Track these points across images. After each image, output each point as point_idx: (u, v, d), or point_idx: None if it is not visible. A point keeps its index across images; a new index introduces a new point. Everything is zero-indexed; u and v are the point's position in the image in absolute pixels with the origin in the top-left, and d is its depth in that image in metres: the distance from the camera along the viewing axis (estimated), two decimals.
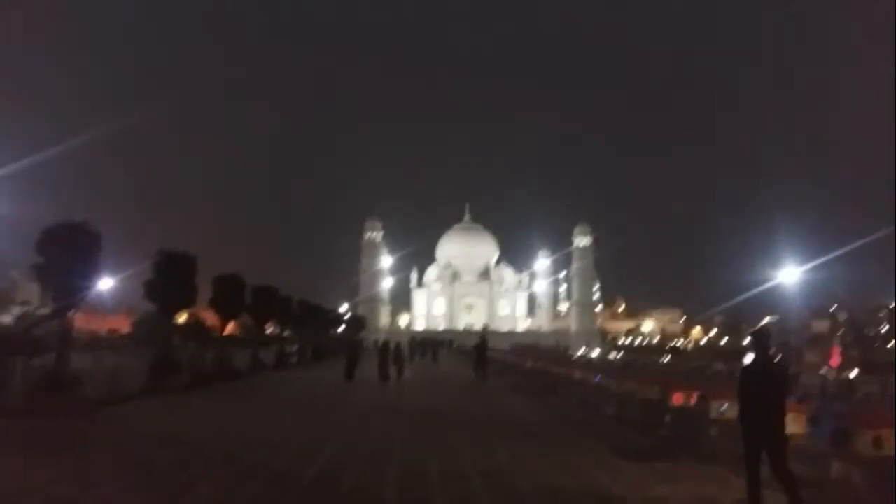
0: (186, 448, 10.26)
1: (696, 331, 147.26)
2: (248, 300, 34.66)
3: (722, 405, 9.37)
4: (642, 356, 61.91)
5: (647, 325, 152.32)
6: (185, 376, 22.72)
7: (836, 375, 31.64)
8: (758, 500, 6.53)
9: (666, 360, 53.04)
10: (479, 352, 27.33)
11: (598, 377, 16.13)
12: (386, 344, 28.17)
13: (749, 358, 7.42)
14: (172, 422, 13.71)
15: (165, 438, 11.23)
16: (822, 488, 7.31)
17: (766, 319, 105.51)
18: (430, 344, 48.25)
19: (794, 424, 7.74)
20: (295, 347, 42.46)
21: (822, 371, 33.36)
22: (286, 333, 56.77)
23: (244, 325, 59.80)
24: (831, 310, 71.28)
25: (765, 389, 6.53)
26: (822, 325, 70.11)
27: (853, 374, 31.74)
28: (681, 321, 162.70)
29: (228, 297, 28.11)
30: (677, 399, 10.88)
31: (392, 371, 26.72)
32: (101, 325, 71.00)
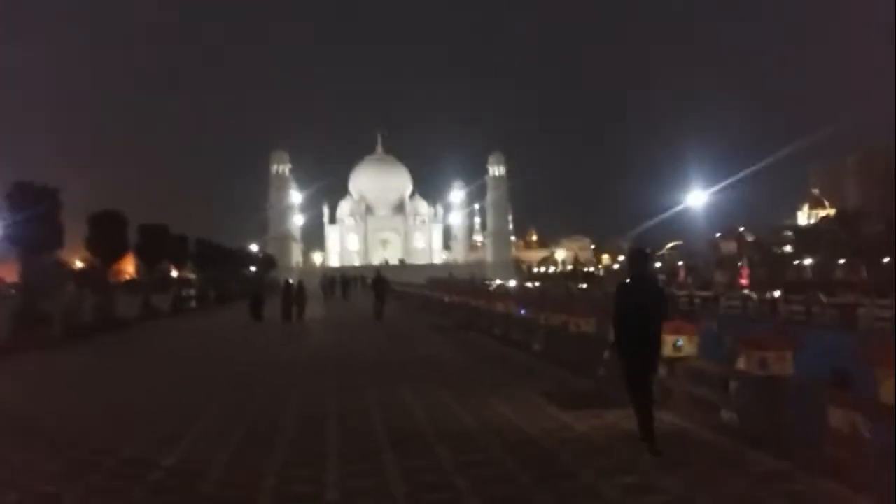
0: (11, 427, 7.97)
1: (605, 258, 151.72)
2: (136, 240, 31.57)
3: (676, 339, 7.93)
4: (558, 283, 62.10)
5: (560, 254, 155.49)
6: (56, 328, 19.90)
7: (759, 296, 31.86)
8: (650, 428, 6.17)
9: (583, 287, 53.09)
10: (376, 288, 26.36)
11: (523, 310, 14.66)
12: (287, 283, 26.85)
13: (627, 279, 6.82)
14: (6, 389, 11.20)
15: None
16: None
17: (671, 244, 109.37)
18: (340, 282, 45.85)
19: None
20: (192, 291, 39.15)
21: (745, 292, 33.60)
22: (192, 277, 53.19)
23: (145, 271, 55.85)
24: (740, 231, 73.66)
25: (642, 310, 6.22)
26: (730, 247, 72.41)
27: (777, 294, 31.92)
28: (591, 248, 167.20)
29: (106, 236, 24.89)
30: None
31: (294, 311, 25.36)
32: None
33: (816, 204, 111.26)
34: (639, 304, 6.28)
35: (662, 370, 7.63)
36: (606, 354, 9.42)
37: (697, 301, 32.96)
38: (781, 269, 55.05)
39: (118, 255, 26.24)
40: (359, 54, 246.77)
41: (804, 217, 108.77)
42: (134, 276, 58.21)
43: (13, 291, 52.74)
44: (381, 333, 19.96)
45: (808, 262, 57.72)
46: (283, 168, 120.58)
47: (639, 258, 6.89)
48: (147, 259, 31.77)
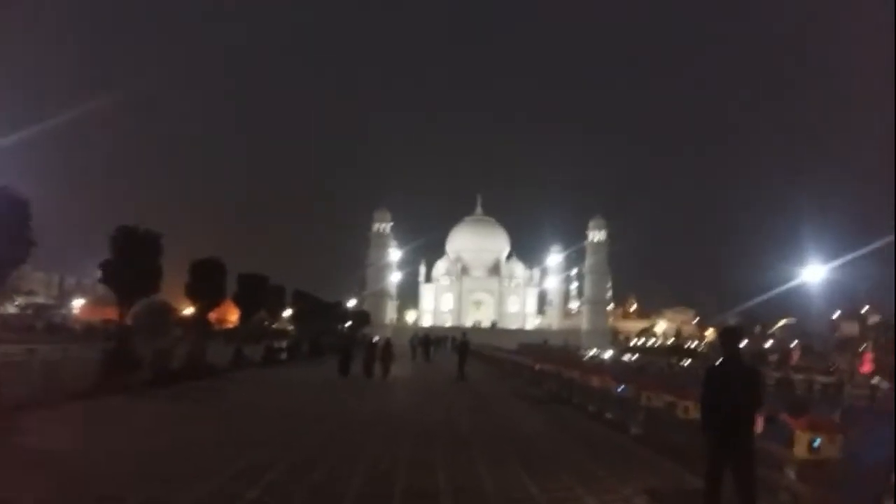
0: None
1: (710, 332, 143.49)
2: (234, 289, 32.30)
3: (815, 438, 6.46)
4: (658, 358, 58.57)
5: (660, 326, 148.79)
6: (145, 373, 20.10)
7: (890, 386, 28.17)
8: None
9: (686, 364, 49.58)
10: (460, 352, 27.02)
11: (622, 388, 13.22)
12: (371, 341, 26.88)
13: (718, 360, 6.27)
14: (65, 436, 10.87)
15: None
16: None
17: (783, 322, 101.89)
18: (421, 342, 45.03)
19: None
20: (284, 343, 39.50)
21: (875, 381, 29.90)
22: (290, 328, 54.13)
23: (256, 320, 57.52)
24: (862, 311, 67.27)
25: (735, 395, 5.77)
26: (851, 328, 66.13)
27: None
28: (694, 322, 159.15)
29: (206, 283, 25.41)
30: None
31: (378, 369, 25.44)
32: (104, 316, 68.79)
33: None
34: (730, 389, 5.79)
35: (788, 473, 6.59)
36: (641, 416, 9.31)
37: (817, 387, 29.64)
38: None
39: (216, 303, 26.65)
40: (463, 116, 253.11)
41: None
42: (236, 324, 60.02)
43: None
44: (464, 399, 18.86)
45: None
46: (384, 226, 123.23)
47: (731, 337, 6.27)
48: (244, 308, 32.30)
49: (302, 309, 42.80)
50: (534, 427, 13.42)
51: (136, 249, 19.17)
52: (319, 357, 42.02)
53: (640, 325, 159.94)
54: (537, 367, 23.38)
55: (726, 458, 5.71)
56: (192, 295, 25.27)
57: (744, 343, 6.85)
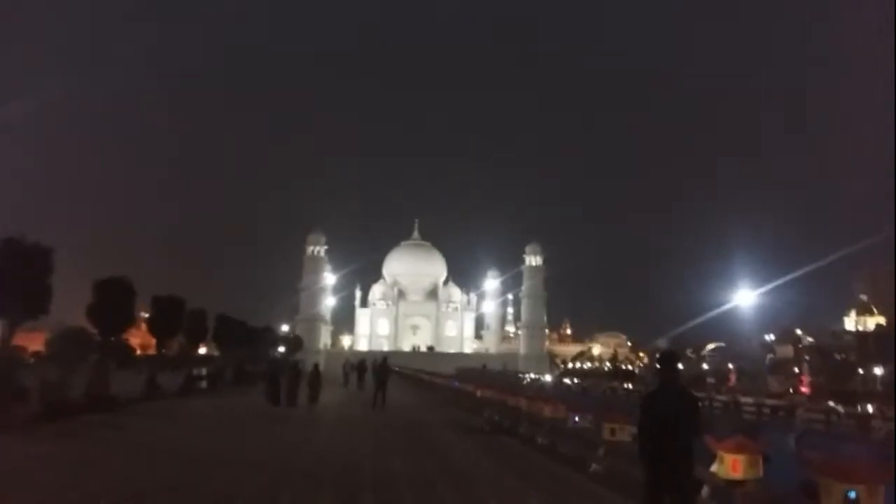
0: None
1: (641, 356, 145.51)
2: (151, 313, 29.66)
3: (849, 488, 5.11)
4: (598, 382, 57.79)
5: (596, 350, 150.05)
6: (33, 407, 17.42)
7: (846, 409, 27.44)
8: None
9: (629, 387, 48.80)
10: (379, 377, 25.85)
11: (576, 418, 11.68)
12: (295, 366, 25.16)
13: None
14: None
15: None
16: None
17: (712, 346, 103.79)
18: (356, 367, 40.66)
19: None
20: (203, 370, 36.52)
21: (830, 404, 29.25)
22: (217, 354, 50.84)
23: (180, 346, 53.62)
24: (797, 333, 68.40)
25: (674, 421, 5.63)
26: (785, 351, 67.17)
27: (870, 409, 27.46)
28: (627, 346, 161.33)
29: (111, 304, 22.74)
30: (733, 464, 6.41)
31: (304, 396, 24.23)
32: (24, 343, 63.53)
33: (864, 310, 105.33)
34: (669, 415, 5.64)
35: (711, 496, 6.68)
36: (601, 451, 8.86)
37: (766, 411, 28.92)
38: (843, 378, 50.23)
39: (121, 327, 23.92)
40: (400, 139, 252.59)
41: (851, 323, 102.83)
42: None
43: (32, 360, 51.04)
44: (398, 431, 17.00)
45: (878, 371, 52.88)
46: (318, 249, 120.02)
47: (668, 362, 6.05)
48: (158, 333, 29.50)
49: (224, 334, 39.89)
50: (477, 464, 11.69)
51: (21, 264, 16.62)
52: (245, 385, 39.25)
53: (575, 348, 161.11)
54: (479, 393, 21.71)
55: (665, 487, 5.56)
56: (94, 317, 22.54)
57: (679, 367, 6.48)
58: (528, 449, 13.76)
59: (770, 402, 31.78)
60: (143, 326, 35.98)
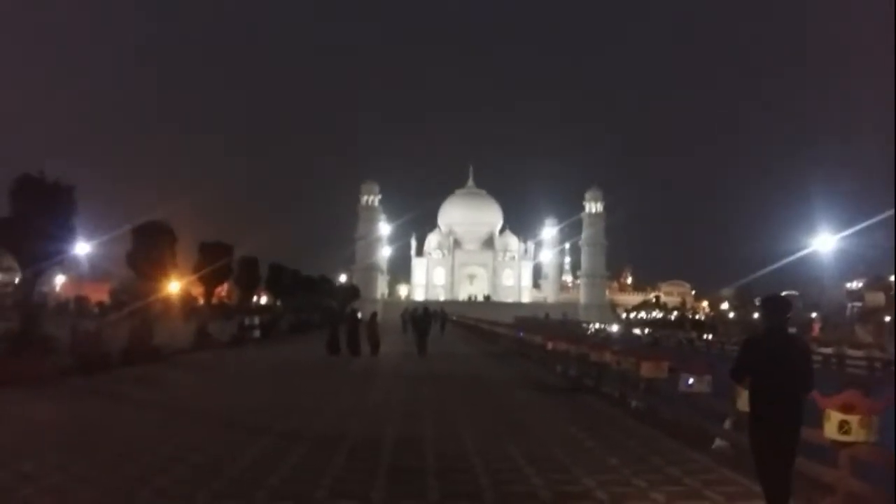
0: None
1: (704, 305, 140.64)
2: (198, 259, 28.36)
3: None
4: (670, 332, 54.63)
5: (662, 298, 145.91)
6: (63, 359, 16.03)
7: None
8: None
9: (710, 337, 45.36)
10: (418, 326, 25.75)
11: (689, 380, 9.21)
12: (353, 313, 23.69)
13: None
14: None
15: None
16: None
17: (783, 294, 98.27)
18: (411, 318, 35.40)
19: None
20: (256, 320, 35.35)
21: None
22: (278, 304, 50.11)
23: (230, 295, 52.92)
24: (892, 279, 62.60)
25: (787, 373, 4.88)
26: (876, 298, 61.92)
27: None
28: (691, 294, 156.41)
29: (151, 250, 21.21)
30: None
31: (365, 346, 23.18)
32: (93, 294, 64.59)
33: None
34: (781, 365, 4.88)
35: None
36: (728, 424, 8.23)
37: (877, 366, 25.56)
38: None
39: (162, 273, 22.40)
40: (455, 85, 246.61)
41: None
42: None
43: (96, 311, 51.45)
44: (466, 389, 14.89)
45: None
46: (372, 199, 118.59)
47: (778, 308, 5.22)
48: (206, 281, 28.16)
49: (278, 283, 38.62)
50: (572, 440, 9.38)
51: (42, 205, 14.96)
52: (301, 334, 38.16)
53: (637, 298, 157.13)
54: (550, 345, 19.38)
55: (781, 446, 4.89)
56: (134, 264, 21.07)
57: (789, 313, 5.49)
58: (618, 411, 11.39)
59: (880, 355, 28.29)
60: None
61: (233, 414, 11.05)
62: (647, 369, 10.87)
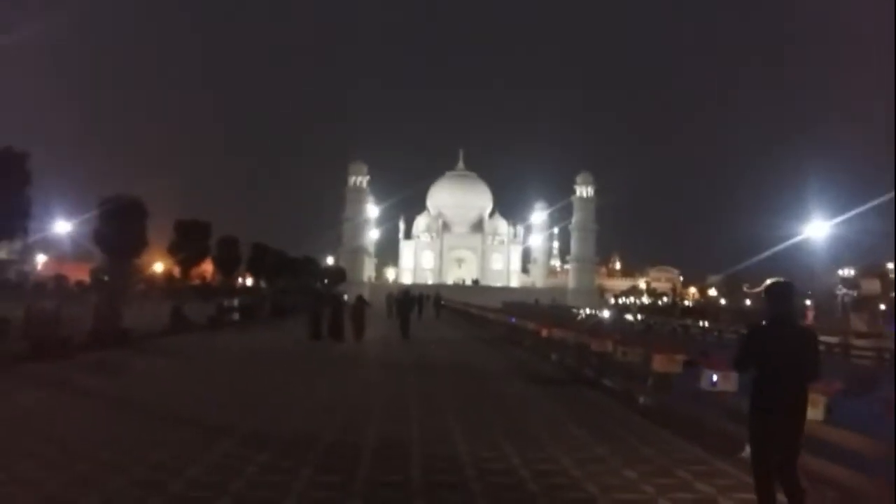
0: None
1: (693, 292, 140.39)
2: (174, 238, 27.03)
3: None
4: (662, 319, 53.76)
5: (643, 284, 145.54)
6: (16, 343, 14.72)
7: None
8: None
9: (705, 325, 44.62)
10: (401, 309, 25.62)
11: (713, 377, 8.08)
12: (337, 297, 22.84)
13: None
14: None
15: None
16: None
17: (769, 281, 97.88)
18: (396, 301, 33.32)
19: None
20: (235, 302, 34.00)
21: None
22: (263, 285, 48.78)
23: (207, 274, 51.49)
24: (889, 265, 61.79)
25: (795, 364, 4.68)
26: (871, 286, 61.31)
27: None
28: (679, 280, 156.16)
29: (119, 227, 19.81)
30: None
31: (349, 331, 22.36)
32: (75, 274, 62.91)
33: None
34: (789, 355, 4.68)
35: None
36: None
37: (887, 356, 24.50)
38: None
39: (132, 251, 21.04)
40: (445, 66, 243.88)
41: None
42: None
43: (76, 291, 49.86)
44: (456, 381, 13.74)
45: None
46: (360, 180, 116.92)
47: (784, 295, 4.95)
48: (181, 260, 26.78)
49: (260, 263, 37.24)
50: (574, 438, 8.24)
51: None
52: (283, 318, 36.86)
53: (625, 283, 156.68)
54: (545, 333, 18.23)
55: (783, 437, 4.63)
56: (101, 241, 19.68)
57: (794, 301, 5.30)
58: (629, 411, 10.23)
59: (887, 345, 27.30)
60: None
61: (194, 409, 9.80)
62: (659, 363, 9.71)
